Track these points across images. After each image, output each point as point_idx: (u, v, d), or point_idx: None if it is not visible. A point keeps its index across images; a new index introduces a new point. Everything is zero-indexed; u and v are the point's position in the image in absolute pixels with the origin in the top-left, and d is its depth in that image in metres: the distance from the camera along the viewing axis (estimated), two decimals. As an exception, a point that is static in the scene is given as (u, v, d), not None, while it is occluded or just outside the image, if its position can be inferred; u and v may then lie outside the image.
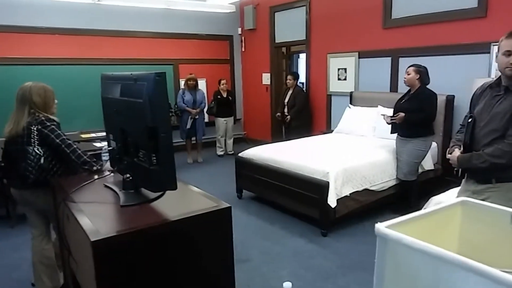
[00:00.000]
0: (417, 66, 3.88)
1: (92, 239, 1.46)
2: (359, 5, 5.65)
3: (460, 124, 2.38)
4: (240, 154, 4.78)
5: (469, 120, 2.20)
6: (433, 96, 3.87)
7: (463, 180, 2.30)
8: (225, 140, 7.29)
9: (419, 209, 3.88)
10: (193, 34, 7.55)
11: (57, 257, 2.72)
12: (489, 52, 4.26)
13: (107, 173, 2.29)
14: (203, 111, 6.78)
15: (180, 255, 1.70)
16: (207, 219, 1.76)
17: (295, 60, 9.11)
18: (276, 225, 3.95)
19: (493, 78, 4.13)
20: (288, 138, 6.04)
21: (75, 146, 2.46)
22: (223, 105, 7.04)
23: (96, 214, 1.79)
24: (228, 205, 1.81)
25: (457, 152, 2.27)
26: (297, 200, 3.92)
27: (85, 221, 1.64)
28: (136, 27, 6.92)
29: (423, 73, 3.85)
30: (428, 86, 3.92)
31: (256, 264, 3.13)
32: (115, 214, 1.78)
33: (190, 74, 6.65)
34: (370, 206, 4.01)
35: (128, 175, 1.98)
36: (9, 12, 5.80)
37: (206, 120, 7.28)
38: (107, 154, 2.38)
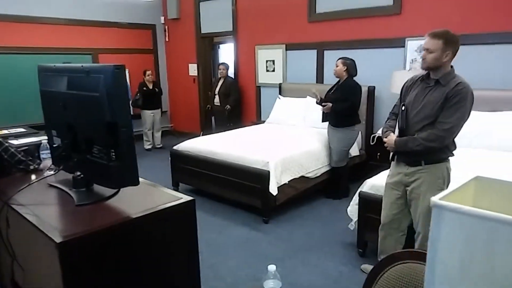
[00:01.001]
0: (345, 59, 4.16)
1: (58, 241, 1.38)
2: (285, -1, 5.83)
3: (391, 112, 2.62)
4: (175, 147, 4.70)
5: (402, 108, 2.44)
6: (357, 86, 4.18)
7: (393, 163, 2.55)
8: (152, 133, 7.08)
9: (349, 192, 4.21)
10: (113, 22, 7.16)
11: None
12: (404, 47, 4.70)
13: (49, 172, 2.13)
14: (130, 105, 6.49)
15: (145, 251, 1.66)
16: (171, 213, 1.74)
17: (217, 51, 9.11)
18: (218, 216, 3.99)
19: (408, 70, 4.60)
20: (218, 129, 6.08)
21: (6, 145, 2.23)
22: (150, 97, 6.82)
23: (51, 215, 1.67)
24: (192, 198, 1.81)
25: (393, 136, 2.49)
26: (238, 190, 3.99)
27: (42, 224, 1.52)
28: (49, 12, 6.34)
29: (350, 65, 4.13)
30: (354, 78, 4.22)
31: (203, 256, 3.10)
32: (71, 214, 1.67)
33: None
34: (306, 192, 4.23)
35: (79, 173, 1.87)
36: None
37: (131, 113, 6.99)
38: (47, 151, 2.21)
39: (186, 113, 7.94)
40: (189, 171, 4.49)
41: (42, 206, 1.77)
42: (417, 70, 3.94)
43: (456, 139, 2.41)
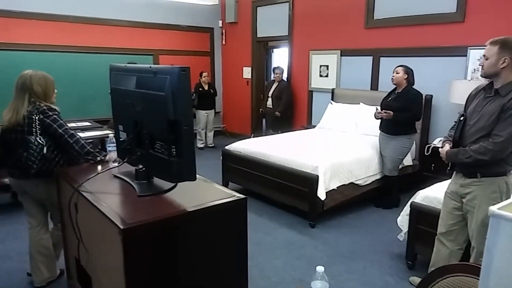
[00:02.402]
0: (405, 67, 4.07)
1: (122, 227, 1.50)
2: (342, 4, 5.80)
3: (455, 122, 2.54)
4: (226, 147, 4.84)
5: (461, 118, 2.37)
6: (419, 95, 4.07)
7: (454, 174, 2.48)
8: (205, 133, 7.31)
9: (399, 202, 4.10)
10: (174, 25, 7.48)
11: (54, 247, 2.70)
12: (465, 55, 4.51)
13: (114, 163, 2.30)
14: (192, 105, 6.76)
15: (198, 243, 1.76)
16: (223, 209, 1.83)
17: (270, 55, 9.21)
18: (265, 217, 4.05)
19: (469, 80, 4.41)
20: (268, 132, 6.17)
21: (78, 136, 2.45)
22: (205, 98, 7.06)
23: (115, 203, 1.82)
24: (244, 196, 1.89)
25: (446, 147, 2.43)
26: (286, 193, 4.04)
27: (108, 210, 1.66)
28: (116, 15, 6.77)
29: (410, 74, 4.05)
30: (413, 86, 4.12)
31: (251, 254, 3.19)
32: (133, 203, 1.81)
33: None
34: (354, 200, 4.18)
35: (141, 166, 2.01)
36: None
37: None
38: (113, 144, 2.38)
39: (238, 115, 8.11)
40: (239, 171, 4.60)
41: (107, 194, 1.93)
42: (479, 80, 3.78)
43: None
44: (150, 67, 1.86)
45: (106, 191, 1.95)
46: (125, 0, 6.83)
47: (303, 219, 3.93)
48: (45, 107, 2.42)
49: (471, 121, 2.32)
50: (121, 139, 2.17)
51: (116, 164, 2.20)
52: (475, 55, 4.41)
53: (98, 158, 2.42)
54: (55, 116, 2.42)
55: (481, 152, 2.21)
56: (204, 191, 1.98)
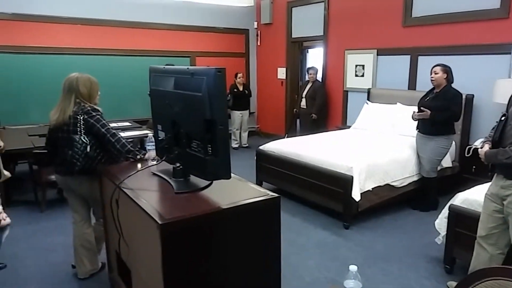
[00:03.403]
0: (443, 66, 3.95)
1: (160, 222, 1.56)
2: (379, 3, 5.70)
3: (496, 122, 2.45)
4: (260, 147, 4.88)
5: (502, 118, 2.29)
6: (459, 95, 3.94)
7: (495, 175, 2.39)
8: (240, 133, 7.39)
9: (437, 205, 3.99)
10: (210, 27, 7.62)
11: (96, 241, 2.84)
12: (510, 53, 4.32)
13: (153, 161, 2.39)
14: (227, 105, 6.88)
15: (233, 240, 1.80)
16: (257, 207, 1.87)
17: (305, 55, 9.18)
18: (298, 217, 4.06)
19: (514, 78, 4.21)
20: (303, 132, 6.15)
21: (119, 136, 2.56)
22: (239, 99, 7.14)
23: (153, 200, 1.89)
24: (277, 195, 1.91)
25: (486, 148, 2.35)
26: (320, 193, 4.02)
27: (147, 206, 1.74)
28: (154, 19, 6.99)
29: (449, 72, 3.92)
30: (452, 85, 4.00)
31: (284, 253, 3.21)
32: (171, 200, 1.87)
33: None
34: (389, 202, 4.10)
35: (178, 164, 2.08)
36: (26, 0, 5.88)
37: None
38: (152, 143, 2.48)
39: (272, 115, 8.13)
40: (272, 171, 4.63)
41: (146, 191, 2.01)
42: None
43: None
44: (188, 68, 1.93)
45: (145, 188, 2.03)
46: (163, 3, 7.03)
47: (337, 220, 3.90)
48: (89, 108, 2.54)
49: None
50: (159, 138, 2.26)
51: (154, 162, 2.29)
52: (520, 53, 4.22)
53: (138, 157, 2.52)
54: (98, 116, 2.54)
55: None
56: (238, 190, 2.02)
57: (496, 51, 4.45)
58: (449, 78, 3.92)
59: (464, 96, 4.50)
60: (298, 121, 7.15)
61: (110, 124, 2.66)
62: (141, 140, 4.27)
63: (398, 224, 3.89)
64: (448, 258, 2.94)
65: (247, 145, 7.38)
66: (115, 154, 2.57)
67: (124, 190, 1.98)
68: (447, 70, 3.91)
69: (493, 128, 2.43)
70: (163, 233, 1.57)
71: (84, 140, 2.49)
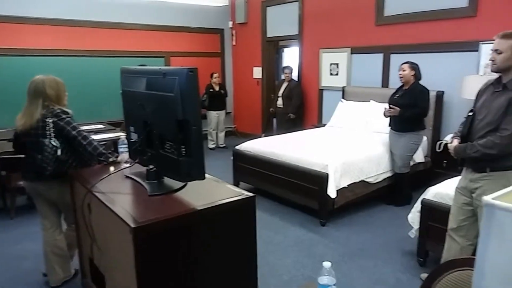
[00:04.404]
0: (411, 63, 4.05)
1: (133, 226, 1.54)
2: (352, 2, 5.78)
3: (464, 117, 2.53)
4: (237, 147, 4.87)
5: (470, 113, 2.36)
6: (426, 92, 4.04)
7: (464, 169, 2.46)
8: (216, 133, 7.36)
9: (411, 199, 4.08)
10: (184, 27, 7.55)
11: (68, 247, 2.77)
12: (477, 50, 4.46)
13: (126, 164, 2.34)
14: (200, 105, 6.84)
15: (208, 241, 1.79)
16: (232, 207, 1.86)
17: (281, 54, 9.20)
18: (276, 216, 4.07)
19: (481, 75, 4.36)
20: (280, 131, 6.18)
21: (91, 138, 2.50)
22: (215, 99, 7.10)
23: (126, 203, 1.86)
24: (252, 194, 1.91)
25: (455, 142, 2.43)
26: (296, 191, 4.05)
27: (119, 210, 1.70)
28: (127, 19, 6.86)
29: (416, 69, 4.03)
30: (420, 82, 4.10)
31: (261, 253, 3.20)
32: (144, 203, 1.85)
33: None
34: (364, 198, 4.17)
35: (152, 166, 2.05)
36: (-1, 1, 5.69)
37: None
38: (125, 145, 2.43)
39: (249, 115, 8.14)
40: (249, 171, 4.63)
41: (119, 194, 1.97)
42: (492, 75, 3.74)
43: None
44: (160, 68, 1.90)
45: (118, 191, 2.00)
46: (135, 3, 6.92)
47: (314, 218, 3.94)
48: (58, 110, 2.48)
49: (479, 116, 2.32)
50: (132, 140, 2.22)
51: (127, 165, 2.25)
52: (487, 50, 4.34)
53: (111, 159, 2.47)
54: (68, 119, 2.48)
55: (489, 146, 2.21)
56: (213, 190, 2.01)
57: (465, 48, 4.59)
58: (417, 75, 4.03)
59: (434, 93, 4.64)
60: (274, 120, 7.17)
61: (83, 127, 2.60)
62: (115, 142, 4.18)
63: (373, 220, 3.96)
64: (421, 251, 3.02)
65: (224, 145, 7.35)
66: (86, 157, 2.52)
67: (96, 194, 1.94)
68: (414, 67, 4.02)
69: (462, 123, 2.50)
70: (136, 237, 1.54)
71: (54, 144, 2.42)
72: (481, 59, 4.43)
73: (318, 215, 3.89)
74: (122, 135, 2.71)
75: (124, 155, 2.45)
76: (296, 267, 3.07)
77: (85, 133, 2.49)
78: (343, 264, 3.09)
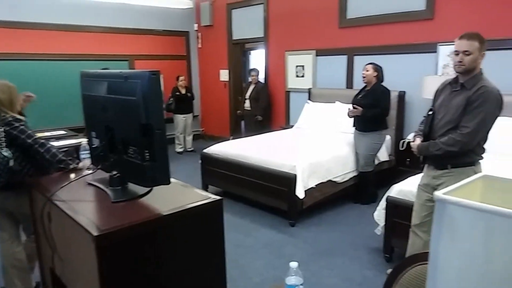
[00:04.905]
0: (375, 64, 4.16)
1: (95, 234, 1.48)
2: (316, 5, 5.87)
3: (424, 116, 2.61)
4: (205, 150, 4.83)
5: (430, 112, 2.44)
6: (387, 92, 4.17)
7: (425, 166, 2.55)
8: (184, 137, 7.27)
9: (377, 197, 4.19)
10: (148, 30, 7.43)
11: (28, 259, 2.65)
12: (435, 52, 4.64)
13: (88, 171, 2.27)
14: (164, 108, 6.74)
15: (175, 247, 1.75)
16: (199, 211, 1.83)
17: (247, 57, 9.24)
18: (246, 219, 4.07)
19: (440, 75, 4.54)
20: (248, 134, 6.19)
21: (49, 145, 2.40)
22: (182, 102, 7.02)
23: (89, 211, 1.79)
24: (219, 197, 1.89)
25: (417, 141, 2.51)
26: (265, 193, 4.06)
27: (80, 218, 1.64)
28: (89, 21, 6.68)
29: (380, 71, 4.15)
30: (382, 83, 4.22)
31: (231, 256, 3.18)
32: (107, 210, 1.79)
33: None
34: (332, 197, 4.24)
35: (115, 172, 2.00)
36: None
37: (164, 117, 7.24)
38: (86, 151, 2.36)
39: (217, 118, 8.10)
40: (218, 174, 4.60)
41: (81, 202, 1.90)
42: (450, 75, 3.90)
43: (487, 145, 2.39)
44: (121, 72, 1.85)
45: (79, 199, 1.93)
46: (97, 5, 6.73)
47: (283, 219, 3.96)
48: (10, 118, 2.36)
49: (439, 115, 2.40)
50: (94, 146, 2.15)
51: (89, 171, 2.18)
52: (444, 51, 4.53)
53: (71, 166, 2.38)
54: (22, 127, 2.37)
55: (450, 144, 2.29)
56: (179, 195, 1.98)
57: (424, 50, 4.76)
58: (379, 76, 4.15)
59: (396, 93, 4.78)
60: (242, 122, 7.18)
61: (43, 134, 2.49)
62: (77, 148, 4.05)
63: (341, 218, 4.03)
64: (387, 248, 3.10)
65: (192, 149, 7.27)
66: (45, 165, 2.41)
67: (56, 202, 1.86)
68: (377, 68, 4.14)
69: (422, 122, 2.59)
70: (99, 245, 1.49)
71: (6, 154, 2.30)
72: (439, 60, 4.62)
73: (287, 216, 3.92)
74: (83, 140, 2.63)
75: (86, 161, 2.37)
76: (266, 269, 3.07)
77: (42, 140, 2.39)
78: (312, 263, 3.12)
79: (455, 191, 0.85)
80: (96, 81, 2.03)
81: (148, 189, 1.92)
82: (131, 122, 1.76)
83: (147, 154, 1.75)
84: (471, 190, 0.91)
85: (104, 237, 1.50)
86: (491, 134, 2.35)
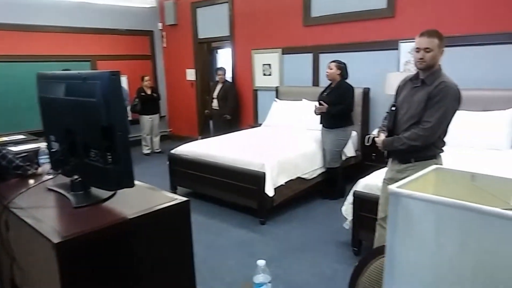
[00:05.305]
0: (338, 62, 4.23)
1: (55, 241, 1.43)
2: (281, 3, 5.91)
3: (386, 112, 2.67)
4: (172, 151, 4.76)
5: (393, 108, 2.51)
6: (351, 89, 4.25)
7: (389, 161, 2.61)
8: (151, 138, 7.14)
9: (345, 192, 4.27)
10: (111, 29, 7.24)
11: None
12: (397, 49, 4.77)
13: (48, 176, 2.18)
14: (126, 109, 6.60)
15: (141, 251, 1.72)
16: (166, 214, 1.80)
17: (214, 56, 9.20)
18: (216, 219, 4.04)
19: (401, 72, 4.67)
20: (216, 133, 6.15)
21: (4, 151, 2.29)
22: (148, 102, 6.89)
23: (49, 217, 1.72)
24: (186, 198, 1.86)
25: (382, 136, 2.57)
26: (235, 192, 4.05)
27: (40, 226, 1.58)
28: (48, 21, 6.43)
29: (343, 68, 4.22)
30: (346, 80, 4.30)
31: (202, 258, 3.18)
32: (69, 216, 1.73)
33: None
34: (302, 194, 4.28)
35: (76, 177, 1.93)
36: None
37: (130, 118, 7.09)
38: (46, 156, 2.27)
39: (184, 118, 8.01)
40: (187, 175, 4.55)
41: (40, 209, 1.82)
42: (411, 72, 4.02)
43: (447, 138, 2.47)
44: (79, 73, 1.78)
45: (39, 206, 1.85)
46: (55, 4, 6.49)
47: (253, 217, 3.96)
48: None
49: (402, 111, 2.47)
50: (53, 150, 2.07)
51: (50, 177, 2.09)
52: (405, 48, 4.67)
53: (30, 172, 2.28)
54: (-24, 131, 2.25)
55: (413, 139, 2.36)
56: (144, 197, 1.93)
57: (386, 47, 4.88)
58: (343, 73, 4.23)
59: (361, 90, 4.88)
60: (211, 122, 7.13)
61: (2, 138, 2.38)
62: (36, 153, 3.89)
63: (311, 214, 4.08)
64: (355, 241, 3.16)
65: (159, 150, 7.15)
66: (2, 171, 2.30)
67: (14, 210, 1.78)
68: (341, 66, 4.21)
69: (385, 117, 2.65)
70: (60, 253, 1.43)
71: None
72: (401, 56, 4.75)
73: (257, 214, 3.92)
74: (42, 145, 2.53)
75: (45, 166, 2.28)
76: (237, 268, 3.07)
77: (-3, 146, 2.28)
78: (283, 260, 3.14)
79: (410, 184, 0.87)
80: (53, 82, 1.95)
81: (111, 193, 1.87)
82: (91, 124, 1.71)
83: (110, 157, 1.70)
84: (425, 182, 0.95)
85: (65, 244, 1.44)
86: (451, 127, 2.44)
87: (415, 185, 0.89)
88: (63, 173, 2.02)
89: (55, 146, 2.05)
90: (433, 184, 0.97)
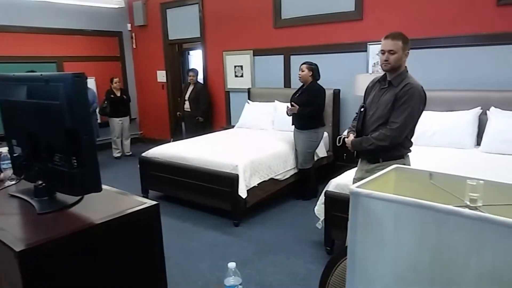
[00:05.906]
0: (309, 63, 4.28)
1: (18, 250, 1.37)
2: (251, 5, 5.92)
3: (356, 113, 2.72)
4: (143, 154, 4.68)
5: (361, 109, 2.55)
6: (321, 90, 4.31)
7: (359, 161, 2.66)
8: (121, 141, 6.99)
9: (317, 192, 4.31)
10: (77, 30, 7.04)
11: None
12: (366, 51, 4.87)
13: (10, 182, 2.09)
14: (95, 112, 6.44)
15: (110, 257, 1.67)
16: (135, 218, 1.76)
17: (186, 57, 9.12)
18: (189, 222, 4.00)
19: (370, 73, 4.77)
20: (189, 135, 6.10)
21: (-36, 156, 2.19)
22: (117, 105, 6.73)
23: (11, 225, 1.65)
24: (156, 202, 1.83)
25: (351, 137, 2.62)
26: (208, 195, 4.02)
27: (2, 233, 1.51)
28: (11, 20, 6.19)
29: (315, 70, 4.27)
30: (318, 81, 4.35)
31: (174, 261, 3.14)
32: (32, 223, 1.66)
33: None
34: (275, 195, 4.30)
35: (40, 182, 1.86)
36: None
37: (99, 121, 6.93)
38: (8, 161, 2.18)
39: (156, 120, 7.89)
40: (158, 178, 4.48)
41: (2, 216, 1.75)
42: (380, 73, 4.11)
43: (414, 138, 2.54)
44: (41, 74, 1.72)
45: (1, 213, 1.77)
46: (19, 3, 6.26)
47: (227, 219, 3.94)
48: None
49: (370, 112, 2.52)
50: (15, 155, 1.99)
51: (12, 182, 2.01)
52: (374, 50, 4.77)
53: (-9, 178, 2.19)
54: None
55: (381, 139, 2.41)
56: (113, 202, 1.88)
57: (355, 49, 4.97)
58: (315, 75, 4.28)
59: (332, 91, 4.95)
60: (183, 124, 7.05)
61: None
62: None
63: (284, 215, 4.10)
64: (328, 241, 3.20)
65: (130, 153, 7.01)
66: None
67: (-28, 218, 1.69)
68: (312, 68, 4.26)
69: (354, 118, 2.70)
70: (23, 262, 1.37)
71: None
72: (370, 58, 4.85)
73: (231, 216, 3.91)
74: (3, 150, 2.42)
75: (7, 171, 2.18)
76: (211, 271, 3.04)
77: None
78: (257, 262, 3.13)
79: (370, 184, 0.89)
80: (13, 85, 1.87)
81: (78, 198, 1.82)
82: (55, 128, 1.65)
83: (75, 161, 1.65)
84: (385, 182, 0.97)
85: (29, 252, 1.38)
86: (418, 127, 2.51)
87: (376, 184, 0.91)
88: (26, 178, 1.95)
89: (18, 150, 1.97)
90: (393, 183, 0.99)
